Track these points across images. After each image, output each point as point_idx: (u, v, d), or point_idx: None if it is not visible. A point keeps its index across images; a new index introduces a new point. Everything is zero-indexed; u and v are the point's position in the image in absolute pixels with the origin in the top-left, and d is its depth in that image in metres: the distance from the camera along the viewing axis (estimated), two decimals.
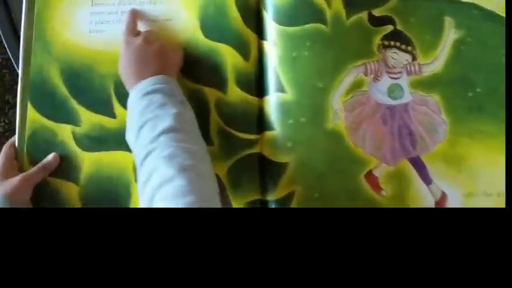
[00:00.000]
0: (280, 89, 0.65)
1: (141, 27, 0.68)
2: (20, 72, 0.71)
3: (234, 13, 0.68)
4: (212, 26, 0.68)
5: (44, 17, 0.71)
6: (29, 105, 0.70)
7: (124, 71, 0.63)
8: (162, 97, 0.57)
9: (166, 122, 0.54)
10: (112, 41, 0.70)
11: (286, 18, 0.66)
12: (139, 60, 0.62)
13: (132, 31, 0.66)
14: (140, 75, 0.60)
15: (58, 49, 0.70)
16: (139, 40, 0.63)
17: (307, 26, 0.66)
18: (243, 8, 0.68)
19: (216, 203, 0.50)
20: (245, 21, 0.68)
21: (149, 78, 0.59)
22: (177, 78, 0.64)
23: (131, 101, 0.60)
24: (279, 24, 0.67)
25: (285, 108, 0.65)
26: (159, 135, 0.53)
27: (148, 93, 0.58)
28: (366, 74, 0.65)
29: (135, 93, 0.59)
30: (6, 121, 1.33)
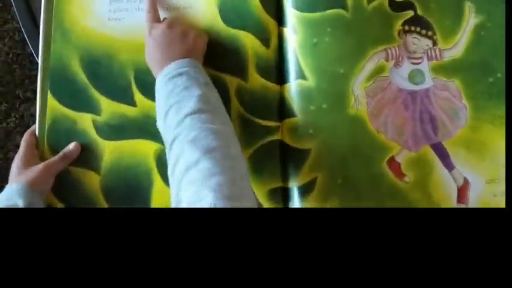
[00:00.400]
0: (301, 75, 0.65)
1: (162, 15, 0.68)
2: (40, 60, 0.71)
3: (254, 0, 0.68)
4: (232, 13, 0.68)
5: (63, 5, 0.71)
6: (49, 94, 0.70)
7: (150, 57, 0.63)
8: (187, 80, 0.57)
9: (191, 104, 0.54)
10: (131, 29, 0.70)
11: (306, 4, 0.66)
12: (163, 45, 0.62)
13: (154, 17, 0.66)
14: (166, 60, 0.60)
15: (77, 37, 0.70)
16: (162, 25, 0.63)
17: (327, 11, 0.65)
18: None
19: (246, 183, 0.50)
20: (265, 7, 0.68)
21: (174, 62, 0.60)
22: (201, 63, 0.64)
23: (157, 86, 0.60)
24: (299, 11, 0.66)
25: (306, 95, 0.65)
26: (184, 118, 0.54)
27: (173, 77, 0.58)
28: (387, 60, 0.64)
29: (161, 78, 0.59)
30: (17, 116, 1.33)
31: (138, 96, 0.68)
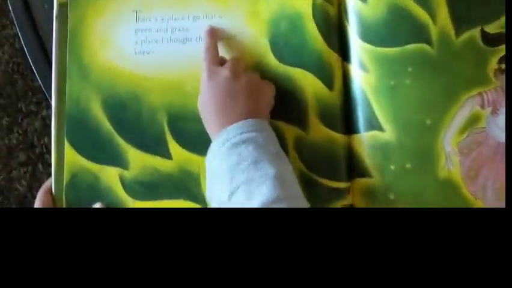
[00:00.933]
0: (376, 126, 0.54)
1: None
2: (53, 103, 0.59)
3: (312, 29, 0.56)
4: (285, 45, 0.56)
5: (80, 35, 0.59)
6: (66, 144, 0.58)
7: (206, 110, 0.52)
8: (255, 150, 0.46)
9: (264, 190, 0.43)
10: (162, 64, 0.58)
11: (379, 36, 0.54)
12: (225, 98, 0.51)
13: (215, 58, 0.54)
14: (227, 118, 0.49)
15: (98, 74, 0.58)
16: (225, 72, 0.52)
17: (407, 46, 0.53)
18: (322, 22, 0.56)
19: None
20: (326, 39, 0.56)
21: (238, 124, 0.48)
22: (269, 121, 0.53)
23: (214, 151, 0.49)
24: (371, 44, 0.54)
25: (383, 151, 0.53)
26: (258, 207, 0.42)
27: (236, 144, 0.47)
28: (482, 107, 0.53)
29: (220, 143, 0.48)
30: (20, 131, 1.21)
31: (174, 147, 0.57)
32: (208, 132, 0.52)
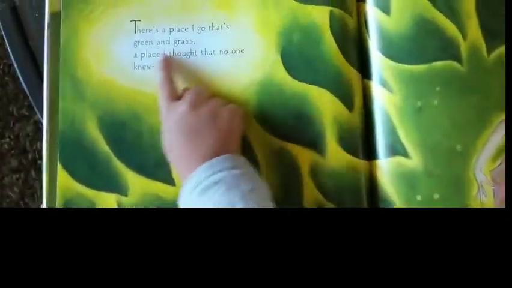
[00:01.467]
0: (401, 151, 0.49)
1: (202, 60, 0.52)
2: (44, 122, 0.54)
3: (329, 42, 0.51)
4: (299, 59, 0.51)
5: (74, 48, 0.54)
6: (59, 167, 0.53)
7: (170, 151, 0.48)
8: (227, 192, 0.42)
9: None
10: None
11: (403, 52, 0.49)
12: (187, 135, 0.46)
13: (171, 92, 0.50)
14: (193, 158, 0.45)
15: (94, 91, 0.53)
16: (183, 106, 0.47)
17: (435, 63, 0.49)
18: (340, 35, 0.51)
19: None
20: (344, 53, 0.51)
21: (206, 165, 0.44)
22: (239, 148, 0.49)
23: (185, 197, 0.44)
24: (394, 60, 0.50)
25: (408, 180, 0.48)
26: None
27: (207, 188, 0.42)
28: None
29: (190, 188, 0.44)
30: (12, 136, 1.16)
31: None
32: (178, 176, 0.48)
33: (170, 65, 0.51)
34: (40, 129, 1.13)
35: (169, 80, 0.50)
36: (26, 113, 1.16)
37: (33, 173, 1.17)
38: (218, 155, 0.44)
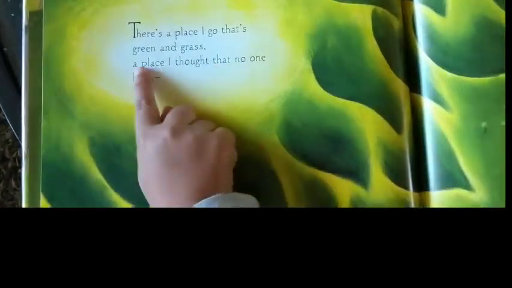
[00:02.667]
0: (461, 182, 0.41)
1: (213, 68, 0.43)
2: (23, 146, 0.45)
3: (373, 48, 0.42)
4: (335, 69, 0.42)
5: (59, 55, 0.45)
6: (42, 199, 0.44)
7: (146, 186, 0.41)
8: None
9: None
10: (168, 94, 0.45)
11: (463, 61, 0.41)
12: (165, 168, 0.39)
13: (149, 113, 0.42)
14: (173, 197, 0.38)
15: (84, 108, 0.44)
16: (163, 131, 0.39)
17: (502, 75, 0.40)
18: (385, 39, 0.42)
19: None
20: (390, 62, 0.42)
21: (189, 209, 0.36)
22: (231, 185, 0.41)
23: None
24: (451, 72, 0.41)
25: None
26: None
27: None
28: None
29: None
30: None
31: None
32: None
33: (148, 79, 0.43)
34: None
35: (147, 98, 0.42)
36: (4, 117, 1.06)
37: (13, 182, 1.09)
38: (205, 195, 0.37)
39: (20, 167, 1.07)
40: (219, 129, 0.41)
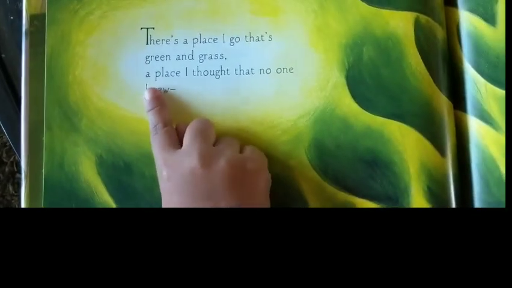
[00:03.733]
0: None
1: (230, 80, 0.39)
2: (22, 162, 0.41)
3: (415, 60, 0.38)
4: (372, 84, 0.38)
5: (64, 64, 0.40)
6: None
7: None
8: None
9: None
10: (185, 107, 0.40)
11: None
12: (195, 201, 0.34)
13: (170, 139, 0.37)
14: None
15: (91, 122, 0.40)
16: (190, 160, 0.35)
17: None
18: (429, 51, 0.38)
19: None
20: (434, 76, 0.38)
21: None
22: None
23: None
24: (501, 88, 0.37)
25: None
26: None
27: None
28: None
29: None
30: None
31: None
32: None
33: (162, 102, 0.39)
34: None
35: (164, 122, 0.38)
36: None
37: (10, 188, 1.05)
38: None
39: (19, 171, 1.04)
40: (250, 150, 0.37)
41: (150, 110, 0.39)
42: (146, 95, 0.39)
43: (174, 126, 0.38)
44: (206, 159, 0.34)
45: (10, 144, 1.05)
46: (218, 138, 0.37)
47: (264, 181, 0.36)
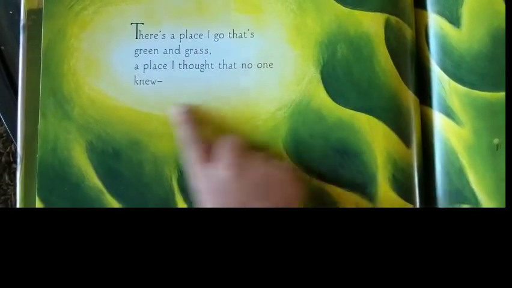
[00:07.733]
0: (470, 200, 0.40)
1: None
2: (18, 148, 0.43)
3: (384, 58, 0.41)
4: (345, 80, 0.41)
5: (58, 56, 0.43)
6: (38, 203, 0.42)
7: None
8: None
9: None
10: (171, 98, 0.43)
11: (478, 75, 0.40)
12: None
13: (203, 152, 0.39)
14: None
15: (83, 110, 0.43)
16: (223, 171, 0.37)
17: None
18: (397, 50, 0.41)
19: None
20: (402, 73, 0.41)
21: None
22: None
23: None
24: (464, 85, 0.40)
25: None
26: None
27: None
28: None
29: None
30: None
31: None
32: None
33: (192, 117, 0.41)
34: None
35: (197, 138, 0.40)
36: None
37: (6, 177, 1.07)
38: None
39: (14, 161, 1.06)
40: (283, 162, 0.39)
41: (180, 124, 0.40)
42: (174, 110, 0.41)
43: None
44: (235, 168, 0.36)
45: (6, 135, 1.07)
46: (249, 151, 0.39)
47: (298, 190, 0.38)
